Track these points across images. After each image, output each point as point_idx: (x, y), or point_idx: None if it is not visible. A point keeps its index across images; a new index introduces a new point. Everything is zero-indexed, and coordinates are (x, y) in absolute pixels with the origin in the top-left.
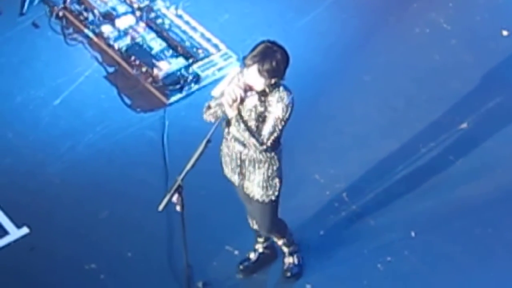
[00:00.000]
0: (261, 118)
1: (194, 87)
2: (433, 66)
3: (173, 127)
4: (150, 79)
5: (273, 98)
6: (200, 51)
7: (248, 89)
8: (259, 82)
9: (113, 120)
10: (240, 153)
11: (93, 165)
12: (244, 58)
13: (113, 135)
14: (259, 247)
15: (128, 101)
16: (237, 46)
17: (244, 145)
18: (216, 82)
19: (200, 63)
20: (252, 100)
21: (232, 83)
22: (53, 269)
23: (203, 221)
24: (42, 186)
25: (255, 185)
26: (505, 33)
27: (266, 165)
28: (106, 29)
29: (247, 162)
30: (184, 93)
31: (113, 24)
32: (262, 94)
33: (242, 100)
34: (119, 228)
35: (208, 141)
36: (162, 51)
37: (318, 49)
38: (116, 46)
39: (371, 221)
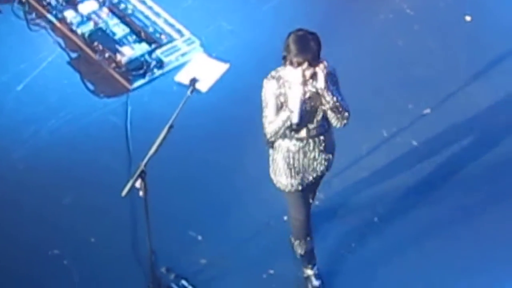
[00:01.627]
0: (318, 98)
1: (157, 72)
2: (396, 51)
3: (136, 112)
4: (113, 65)
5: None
6: (163, 36)
7: (304, 83)
8: (309, 72)
9: (76, 106)
10: (313, 144)
11: (56, 150)
12: (286, 58)
13: (77, 121)
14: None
15: (91, 86)
16: (201, 32)
17: (318, 134)
18: (179, 67)
19: (163, 48)
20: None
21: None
22: (16, 254)
23: (166, 207)
24: (5, 172)
25: (324, 163)
26: (468, 18)
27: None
28: (69, 14)
29: (318, 148)
30: (147, 78)
31: (76, 9)
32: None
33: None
34: (82, 214)
35: (171, 127)
36: (125, 36)
37: (283, 35)
38: (79, 31)
39: (335, 206)
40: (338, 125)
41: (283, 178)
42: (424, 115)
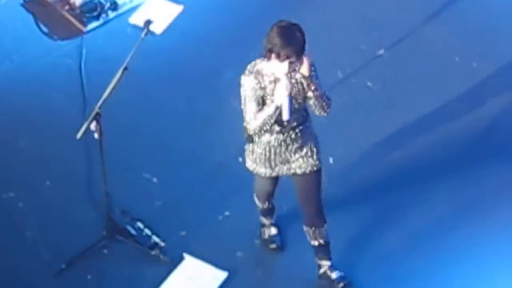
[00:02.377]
0: (302, 85)
1: (112, 14)
2: None
3: (91, 55)
4: (67, 7)
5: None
6: None
7: (290, 76)
8: (295, 65)
9: (30, 48)
10: (295, 135)
11: (10, 93)
12: (271, 51)
13: (31, 63)
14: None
15: (45, 29)
16: None
17: (298, 124)
18: (133, 9)
19: None
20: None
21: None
22: None
23: (121, 149)
24: None
25: (309, 155)
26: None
27: (310, 126)
28: None
29: (300, 139)
30: (101, 20)
31: None
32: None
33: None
34: (37, 157)
35: (125, 69)
36: None
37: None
38: None
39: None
40: (322, 114)
41: (261, 169)
42: (378, 55)
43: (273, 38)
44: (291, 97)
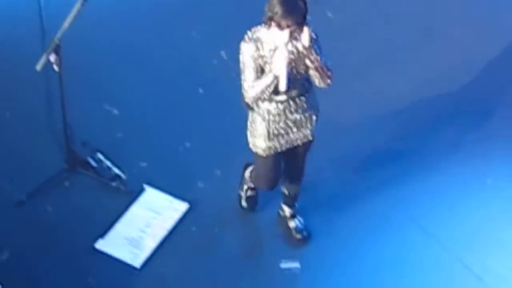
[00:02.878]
0: (301, 59)
1: None
2: None
3: None
4: None
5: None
6: None
7: (290, 45)
8: (296, 34)
9: None
10: (295, 105)
11: None
12: (272, 20)
13: None
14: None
15: None
16: None
17: (298, 95)
18: None
19: None
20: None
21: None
22: None
23: (81, 81)
24: None
25: (308, 126)
26: None
27: (312, 97)
28: None
29: (301, 109)
30: None
31: None
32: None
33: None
34: None
35: (85, 0)
36: None
37: None
38: None
39: None
40: (322, 85)
41: (260, 141)
42: None
43: (274, 6)
44: (290, 67)
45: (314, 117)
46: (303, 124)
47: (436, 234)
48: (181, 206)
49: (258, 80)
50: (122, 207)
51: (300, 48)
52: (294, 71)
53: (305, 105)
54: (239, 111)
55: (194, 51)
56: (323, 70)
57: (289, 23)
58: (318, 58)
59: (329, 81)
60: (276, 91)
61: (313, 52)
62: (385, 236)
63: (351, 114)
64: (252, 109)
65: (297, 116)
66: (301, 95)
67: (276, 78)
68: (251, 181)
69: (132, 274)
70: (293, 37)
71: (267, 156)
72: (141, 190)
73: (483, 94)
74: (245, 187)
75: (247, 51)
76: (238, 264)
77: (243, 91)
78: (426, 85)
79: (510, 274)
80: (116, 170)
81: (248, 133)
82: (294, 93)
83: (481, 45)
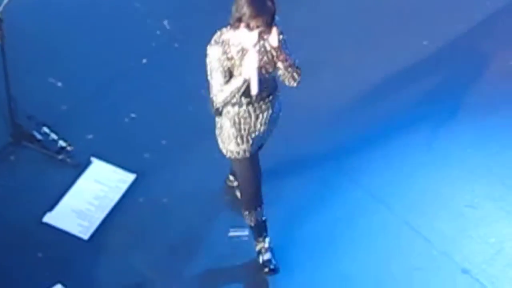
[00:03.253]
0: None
1: None
2: None
3: None
4: None
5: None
6: None
7: (259, 46)
8: (265, 33)
9: None
10: (265, 105)
11: None
12: (239, 20)
13: None
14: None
15: None
16: None
17: (268, 94)
18: None
19: None
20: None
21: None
22: None
23: (24, 54)
24: None
25: (272, 122)
26: None
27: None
28: None
29: (271, 108)
30: None
31: None
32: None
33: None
34: None
35: None
36: None
37: None
38: None
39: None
40: (292, 84)
41: (232, 145)
42: None
43: (242, 6)
44: (260, 70)
45: (280, 114)
46: (272, 122)
47: (383, 199)
48: (128, 178)
49: (227, 84)
50: (69, 180)
51: (269, 48)
52: (263, 71)
53: (273, 103)
54: (183, 80)
55: (137, 21)
56: (293, 68)
57: (259, 23)
58: (288, 57)
59: (298, 79)
60: (244, 94)
61: (282, 52)
62: (333, 202)
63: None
64: (220, 114)
65: (267, 115)
66: (270, 94)
67: (246, 81)
68: (240, 195)
69: (81, 246)
70: (261, 37)
71: (244, 159)
72: (88, 163)
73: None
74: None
75: (214, 54)
76: (187, 233)
77: (211, 95)
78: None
79: (457, 235)
80: (62, 143)
81: (219, 140)
82: (263, 94)
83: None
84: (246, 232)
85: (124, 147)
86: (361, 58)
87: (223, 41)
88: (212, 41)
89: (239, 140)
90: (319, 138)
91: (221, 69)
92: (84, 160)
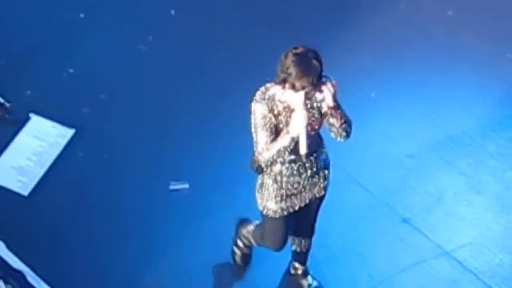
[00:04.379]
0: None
1: None
2: None
3: None
4: None
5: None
6: None
7: (306, 104)
8: (311, 95)
9: None
10: (309, 163)
11: None
12: (285, 81)
13: None
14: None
15: None
16: None
17: (313, 151)
18: None
19: None
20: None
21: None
22: None
23: None
24: None
25: (321, 181)
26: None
27: (324, 151)
28: None
29: (314, 166)
30: None
31: None
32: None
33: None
34: None
35: None
36: None
37: None
38: None
39: None
40: (343, 138)
41: (271, 203)
42: None
43: (288, 67)
44: (308, 131)
45: (326, 172)
46: (316, 181)
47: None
48: (67, 133)
49: (274, 143)
50: (8, 136)
51: (315, 105)
52: (309, 128)
53: (318, 161)
54: (121, 34)
55: None
56: (348, 124)
57: (304, 84)
58: (344, 115)
59: (350, 132)
60: (292, 152)
61: (338, 110)
62: None
63: None
64: (262, 172)
65: (311, 172)
66: (315, 151)
67: (294, 139)
68: (255, 240)
69: (21, 203)
70: (307, 96)
71: (279, 218)
72: (26, 119)
73: None
74: (240, 244)
75: (259, 111)
76: (127, 186)
77: (256, 154)
78: None
79: (397, 185)
80: (0, 100)
81: (258, 196)
82: (308, 151)
83: None
84: (186, 185)
85: (63, 102)
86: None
87: (269, 97)
88: (257, 97)
89: (279, 198)
90: None
91: (267, 126)
92: (22, 116)
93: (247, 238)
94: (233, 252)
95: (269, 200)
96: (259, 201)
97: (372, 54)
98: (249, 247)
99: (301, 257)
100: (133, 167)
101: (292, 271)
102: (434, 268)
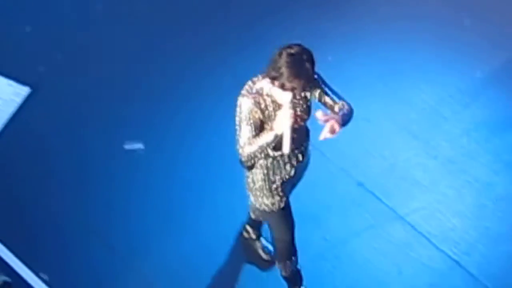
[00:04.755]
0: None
1: None
2: None
3: None
4: None
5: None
6: None
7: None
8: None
9: None
10: (293, 154)
11: None
12: (275, 79)
13: None
14: None
15: None
16: None
17: (299, 145)
18: None
19: None
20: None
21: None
22: None
23: None
24: None
25: (306, 162)
26: None
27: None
28: None
29: (300, 154)
30: None
31: None
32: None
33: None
34: None
35: None
36: None
37: None
38: None
39: None
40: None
41: (265, 199)
42: None
43: (280, 67)
44: (294, 119)
45: (309, 152)
46: (301, 165)
47: None
48: (23, 91)
49: (257, 137)
50: None
51: (302, 97)
52: (298, 119)
53: (304, 151)
54: None
55: None
56: (349, 116)
57: (295, 86)
58: (342, 101)
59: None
60: (275, 148)
61: (339, 117)
62: (223, 111)
63: None
64: (251, 168)
65: (297, 164)
66: (301, 145)
67: (277, 136)
68: (281, 255)
69: None
70: (295, 94)
71: (278, 210)
72: None
73: None
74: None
75: (245, 106)
76: (82, 145)
77: (237, 147)
78: None
79: (352, 150)
80: None
81: (251, 195)
82: (294, 143)
83: None
84: (141, 145)
85: (19, 60)
86: None
87: (256, 91)
88: (244, 91)
89: (271, 192)
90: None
91: (251, 121)
92: None
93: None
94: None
95: (262, 197)
96: (253, 199)
97: (329, 17)
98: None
99: (255, 224)
100: (87, 126)
101: (246, 235)
102: (387, 232)
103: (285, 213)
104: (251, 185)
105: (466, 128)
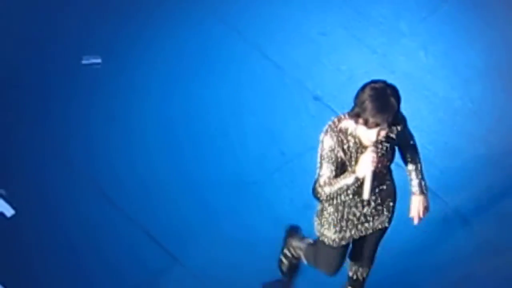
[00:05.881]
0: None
1: None
2: None
3: None
4: None
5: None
6: None
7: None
8: (384, 133)
9: None
10: (374, 196)
11: None
12: (359, 116)
13: None
14: None
15: None
16: None
17: (378, 185)
18: None
19: None
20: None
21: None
22: None
23: None
24: None
25: (385, 213)
26: None
27: (391, 182)
28: None
29: (379, 198)
30: None
31: None
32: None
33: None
34: None
35: None
36: None
37: None
38: None
39: None
40: None
41: (330, 232)
42: None
43: (364, 101)
44: (375, 172)
45: (391, 203)
46: (380, 213)
47: (233, 24)
48: None
49: (338, 179)
50: None
51: (388, 146)
52: (380, 165)
53: (384, 193)
54: None
55: None
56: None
57: (378, 121)
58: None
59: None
60: (355, 191)
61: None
62: (186, 29)
63: None
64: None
65: (375, 205)
66: (380, 184)
67: (358, 180)
68: (307, 260)
69: None
70: (381, 135)
71: (336, 247)
72: None
73: None
74: (289, 254)
75: (327, 143)
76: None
77: (317, 185)
78: None
79: (309, 62)
80: None
81: (316, 220)
82: (375, 184)
83: None
84: (99, 60)
85: None
86: None
87: (340, 130)
88: (328, 128)
89: (339, 228)
90: None
91: (332, 160)
92: None
93: (296, 252)
94: (280, 262)
95: (328, 228)
96: (317, 226)
97: None
98: (298, 258)
99: (356, 284)
100: (39, 67)
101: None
102: None
103: (340, 255)
104: (320, 213)
105: (424, 42)
